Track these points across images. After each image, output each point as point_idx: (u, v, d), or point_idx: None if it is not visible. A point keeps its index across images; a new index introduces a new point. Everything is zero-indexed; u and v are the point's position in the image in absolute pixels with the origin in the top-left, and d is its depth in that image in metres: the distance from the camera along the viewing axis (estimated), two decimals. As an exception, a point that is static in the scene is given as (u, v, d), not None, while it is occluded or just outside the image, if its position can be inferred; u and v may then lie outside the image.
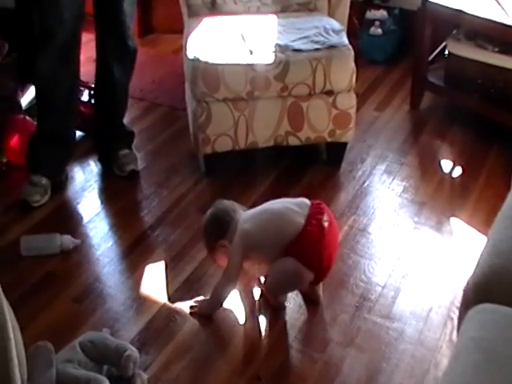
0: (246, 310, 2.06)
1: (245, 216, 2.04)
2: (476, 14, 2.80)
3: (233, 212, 2.04)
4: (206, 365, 1.86)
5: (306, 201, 2.03)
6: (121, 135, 2.75)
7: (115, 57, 2.56)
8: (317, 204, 2.02)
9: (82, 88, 2.99)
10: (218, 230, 2.03)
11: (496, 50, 2.88)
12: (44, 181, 2.51)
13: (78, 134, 2.90)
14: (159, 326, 1.99)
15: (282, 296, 2.06)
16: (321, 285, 2.10)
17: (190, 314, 2.03)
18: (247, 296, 2.10)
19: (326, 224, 1.95)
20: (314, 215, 1.96)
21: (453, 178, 2.75)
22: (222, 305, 2.03)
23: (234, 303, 2.07)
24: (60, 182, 2.61)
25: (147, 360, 1.85)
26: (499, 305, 1.41)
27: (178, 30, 2.99)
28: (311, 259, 1.93)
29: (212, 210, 2.10)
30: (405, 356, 1.89)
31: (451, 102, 3.21)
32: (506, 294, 1.45)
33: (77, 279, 2.17)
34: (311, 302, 2.09)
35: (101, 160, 2.79)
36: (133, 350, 1.73)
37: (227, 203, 2.09)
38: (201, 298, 2.08)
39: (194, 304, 2.05)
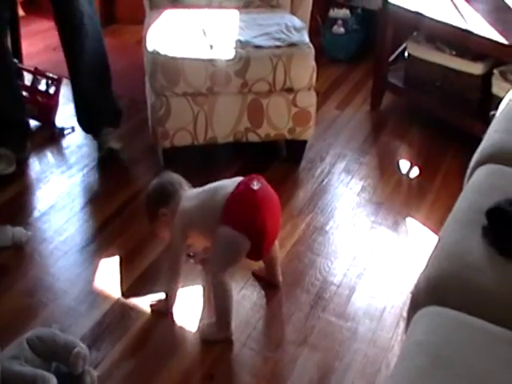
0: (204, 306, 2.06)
1: (187, 195, 2.03)
2: (435, 18, 2.84)
3: (178, 184, 2.04)
4: (159, 363, 1.84)
5: (241, 177, 2.01)
6: (110, 110, 2.78)
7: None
8: (249, 175, 2.00)
9: (38, 77, 2.94)
10: (161, 197, 2.01)
11: (454, 53, 2.93)
12: (9, 153, 2.57)
13: (34, 123, 2.87)
14: (112, 321, 1.96)
15: (228, 326, 1.93)
16: (279, 268, 2.11)
17: (152, 311, 2.01)
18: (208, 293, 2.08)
19: (255, 187, 1.92)
20: (243, 182, 1.96)
21: (410, 179, 2.79)
22: (176, 291, 2.00)
23: (189, 300, 2.06)
24: (24, 158, 2.67)
25: (98, 356, 1.83)
26: (446, 308, 1.42)
27: (141, 20, 2.95)
28: (243, 222, 1.88)
29: (158, 179, 2.09)
30: (357, 355, 1.90)
31: (410, 103, 3.26)
32: (452, 298, 1.46)
33: (28, 272, 2.13)
34: (271, 286, 2.10)
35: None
36: (82, 347, 1.69)
37: (174, 175, 2.08)
38: (158, 296, 2.05)
39: (153, 302, 2.03)
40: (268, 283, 2.14)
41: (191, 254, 2.19)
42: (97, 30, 2.64)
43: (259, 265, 2.16)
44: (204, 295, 2.09)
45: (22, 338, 1.70)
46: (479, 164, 1.97)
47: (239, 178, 2.00)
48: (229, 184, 1.98)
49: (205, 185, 2.06)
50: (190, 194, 2.03)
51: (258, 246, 1.93)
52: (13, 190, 2.51)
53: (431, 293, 1.49)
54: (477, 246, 1.56)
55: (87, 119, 2.79)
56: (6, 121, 2.61)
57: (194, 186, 2.46)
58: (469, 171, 2.04)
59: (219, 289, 1.92)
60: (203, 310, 2.04)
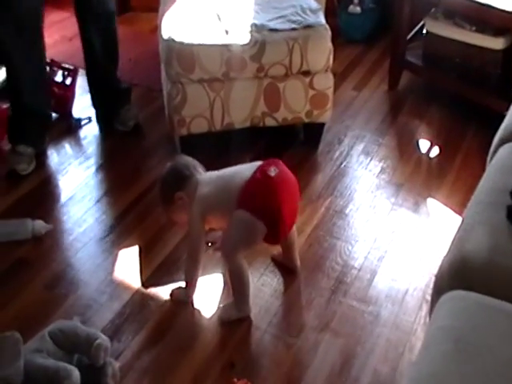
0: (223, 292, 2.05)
1: (203, 179, 2.00)
2: (453, -7, 2.77)
3: (193, 168, 2.02)
4: (180, 352, 1.84)
5: (259, 162, 1.99)
6: (119, 91, 2.86)
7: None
8: (267, 160, 1.98)
9: (55, 69, 2.94)
10: (177, 181, 1.99)
11: (473, 29, 2.86)
12: (29, 150, 2.58)
13: (52, 115, 2.86)
14: (132, 312, 1.97)
15: (247, 304, 1.96)
16: (297, 253, 2.10)
17: (172, 300, 2.00)
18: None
19: (272, 173, 1.90)
20: (261, 167, 1.94)
21: (430, 159, 2.74)
22: (196, 280, 1.99)
23: (209, 289, 2.05)
24: (43, 151, 2.68)
25: (119, 348, 1.83)
26: (470, 291, 1.40)
27: (156, 8, 2.94)
28: (259, 208, 1.87)
29: (172, 163, 2.07)
30: (380, 340, 1.88)
31: (429, 82, 3.20)
32: (476, 281, 1.43)
33: (49, 265, 2.14)
34: (291, 272, 2.10)
35: (101, 117, 2.91)
36: (103, 339, 1.70)
37: (188, 159, 2.07)
38: (178, 284, 2.05)
39: (173, 291, 2.03)
40: (287, 268, 2.12)
41: (210, 241, 2.19)
42: (112, 11, 2.70)
43: (278, 249, 2.15)
44: (223, 282, 2.08)
45: (44, 331, 1.72)
46: (502, 142, 1.92)
47: (257, 163, 1.97)
48: (246, 169, 1.96)
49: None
50: (207, 179, 2.01)
51: (275, 232, 1.92)
52: (32, 183, 2.52)
53: (455, 276, 1.46)
54: (501, 227, 1.52)
55: (107, 101, 2.86)
56: (33, 114, 2.62)
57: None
58: (492, 149, 1.99)
59: (234, 270, 1.93)
60: (222, 294, 2.04)
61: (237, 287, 1.94)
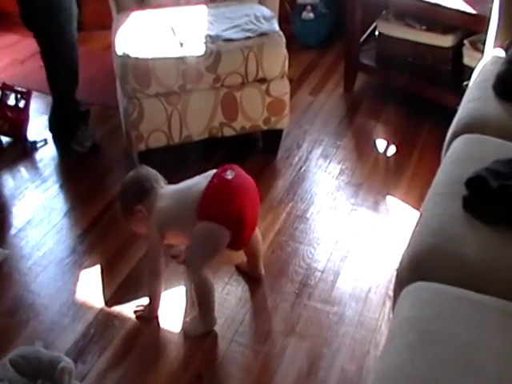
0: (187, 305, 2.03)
1: (163, 193, 1.98)
2: (403, -6, 2.81)
3: (154, 181, 1.99)
4: (146, 368, 1.82)
5: (214, 170, 1.98)
6: (78, 114, 2.86)
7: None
8: (222, 166, 1.97)
9: (7, 92, 2.91)
10: (137, 194, 1.96)
11: (424, 28, 2.90)
12: None
13: (6, 139, 2.83)
14: (96, 332, 1.93)
15: (212, 316, 1.95)
16: (262, 263, 2.09)
17: (136, 317, 1.98)
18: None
19: (229, 177, 1.89)
20: (217, 173, 1.93)
21: (388, 157, 2.77)
22: (159, 294, 1.97)
23: (173, 302, 2.03)
24: None
25: (84, 369, 1.80)
26: (432, 282, 1.40)
27: (109, 26, 2.92)
28: (219, 213, 1.85)
29: (134, 173, 2.04)
30: (345, 339, 1.88)
31: (383, 82, 3.23)
32: (438, 271, 1.45)
33: (7, 292, 2.09)
34: (254, 280, 2.09)
35: (58, 139, 2.90)
36: (67, 361, 1.67)
37: (150, 170, 2.03)
38: (141, 301, 2.03)
39: (137, 308, 2.01)
40: (252, 276, 2.12)
41: (174, 255, 2.17)
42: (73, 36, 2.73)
43: (242, 258, 2.14)
44: (187, 295, 2.06)
45: (4, 360, 1.69)
46: (456, 135, 1.95)
47: (213, 171, 1.96)
48: (202, 180, 1.95)
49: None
50: (165, 193, 1.99)
51: (239, 235, 1.90)
52: (-13, 209, 2.48)
53: (416, 268, 1.47)
54: (458, 217, 1.54)
55: (65, 123, 2.84)
56: None
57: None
58: (446, 143, 2.02)
59: (199, 283, 1.91)
60: (186, 308, 2.02)
61: (202, 300, 1.93)
